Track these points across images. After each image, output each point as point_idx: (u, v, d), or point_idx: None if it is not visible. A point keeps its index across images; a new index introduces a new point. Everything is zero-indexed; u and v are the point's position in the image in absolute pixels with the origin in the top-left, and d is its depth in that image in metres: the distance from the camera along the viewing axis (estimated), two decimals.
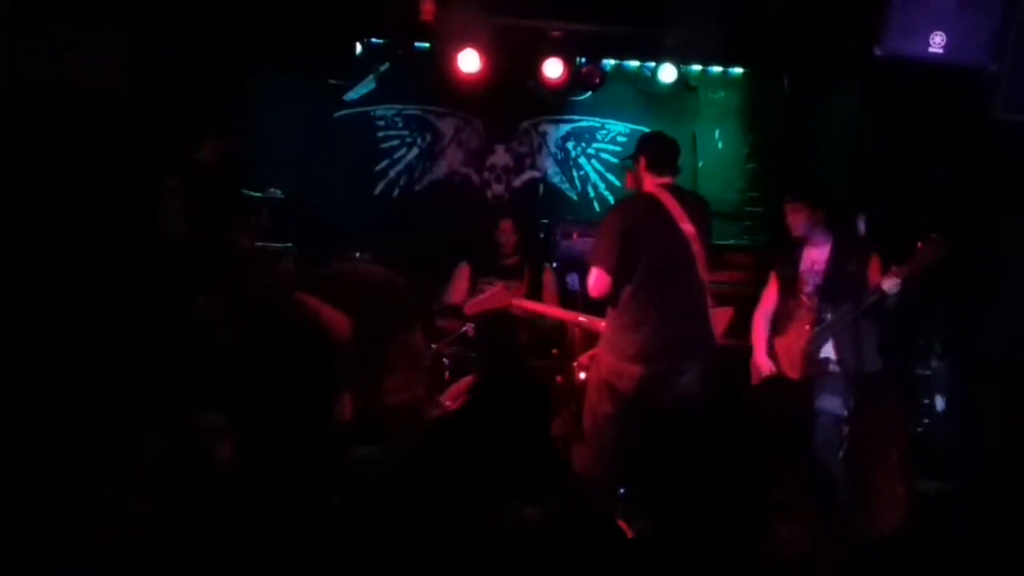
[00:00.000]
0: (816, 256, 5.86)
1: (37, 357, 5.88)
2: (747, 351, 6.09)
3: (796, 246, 5.94)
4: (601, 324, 5.63)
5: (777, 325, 5.95)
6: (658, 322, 5.26)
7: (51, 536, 3.57)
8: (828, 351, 5.66)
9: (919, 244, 5.36)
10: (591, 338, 6.27)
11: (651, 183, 5.47)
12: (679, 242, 5.35)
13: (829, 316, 5.65)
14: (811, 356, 5.68)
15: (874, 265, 5.62)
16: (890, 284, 5.39)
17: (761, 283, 7.62)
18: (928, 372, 6.33)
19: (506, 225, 7.75)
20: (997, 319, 6.12)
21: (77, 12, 6.58)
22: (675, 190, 5.49)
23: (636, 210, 5.44)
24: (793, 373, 5.76)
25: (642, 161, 5.56)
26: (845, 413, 5.58)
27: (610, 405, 5.30)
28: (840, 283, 5.67)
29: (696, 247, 5.37)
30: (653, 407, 5.15)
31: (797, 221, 5.90)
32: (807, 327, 5.71)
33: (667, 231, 5.35)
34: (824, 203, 5.88)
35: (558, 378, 6.74)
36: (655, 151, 5.59)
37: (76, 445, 4.67)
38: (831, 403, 5.61)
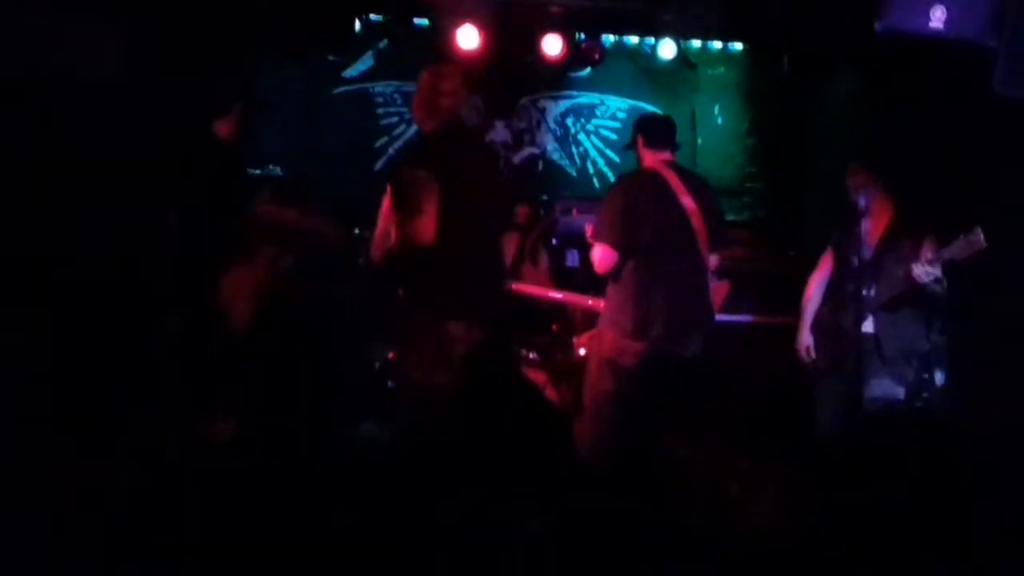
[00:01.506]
0: (871, 228, 5.77)
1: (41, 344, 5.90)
2: (789, 329, 6.10)
3: (855, 216, 5.86)
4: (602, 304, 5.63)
5: (828, 297, 5.91)
6: (660, 297, 5.27)
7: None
8: (868, 328, 5.61)
9: (960, 235, 5.29)
10: (591, 315, 6.28)
11: (651, 159, 5.49)
12: (680, 217, 5.36)
13: (869, 293, 5.60)
14: (849, 332, 5.65)
15: (925, 247, 5.48)
16: (920, 271, 5.30)
17: (760, 259, 7.65)
18: (927, 347, 6.33)
19: (522, 210, 7.72)
20: (997, 296, 6.12)
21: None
22: (676, 167, 5.50)
23: (638, 185, 5.46)
24: (833, 346, 5.73)
25: (639, 139, 5.58)
26: (902, 396, 5.54)
27: (611, 382, 5.30)
28: (887, 260, 5.58)
29: (697, 223, 5.37)
30: (655, 382, 5.17)
31: (852, 184, 5.82)
32: (850, 301, 5.69)
33: (669, 206, 5.36)
34: (887, 172, 5.78)
35: (558, 354, 6.75)
36: (651, 127, 5.66)
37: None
38: (881, 388, 5.53)
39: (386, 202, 5.08)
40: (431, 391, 4.96)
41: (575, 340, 6.56)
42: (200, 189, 5.46)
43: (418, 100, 5.20)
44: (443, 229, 4.94)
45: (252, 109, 5.69)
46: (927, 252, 5.32)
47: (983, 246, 5.12)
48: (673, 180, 5.41)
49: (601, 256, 5.33)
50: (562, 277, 7.50)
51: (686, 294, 5.35)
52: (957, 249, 5.21)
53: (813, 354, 5.84)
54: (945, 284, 5.45)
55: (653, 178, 5.43)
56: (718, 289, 5.95)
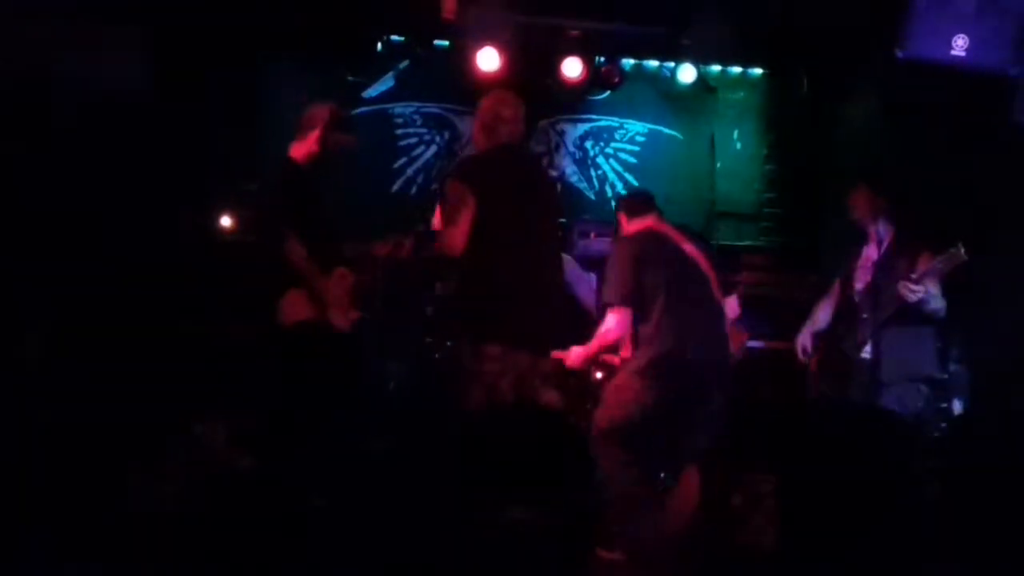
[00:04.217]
0: (872, 252, 5.79)
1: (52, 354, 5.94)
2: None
3: (861, 239, 5.87)
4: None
5: (835, 323, 5.91)
6: (683, 343, 5.16)
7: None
8: (867, 353, 5.60)
9: (934, 252, 5.31)
10: None
11: (639, 225, 5.47)
12: (687, 263, 5.30)
13: (866, 315, 5.60)
14: (850, 358, 5.64)
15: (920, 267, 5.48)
16: (905, 290, 5.31)
17: (778, 284, 7.64)
18: (946, 376, 6.29)
19: None
20: (1015, 323, 6.10)
21: (98, 9, 6.62)
22: (666, 223, 5.51)
23: (636, 242, 5.37)
24: (835, 371, 5.72)
25: (622, 218, 5.59)
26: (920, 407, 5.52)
27: (639, 423, 5.21)
28: (884, 282, 5.57)
29: (705, 267, 5.33)
30: (674, 427, 5.10)
31: (856, 204, 5.83)
32: (852, 326, 5.69)
33: (672, 255, 5.30)
34: (891, 193, 5.78)
35: (572, 377, 6.72)
36: (630, 201, 5.67)
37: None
38: (900, 405, 5.49)
39: (437, 212, 5.28)
40: (459, 408, 5.00)
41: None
42: (272, 210, 5.46)
43: (478, 123, 5.30)
44: (484, 250, 5.00)
45: (330, 132, 5.64)
46: (910, 273, 5.34)
47: (963, 260, 5.15)
48: (669, 232, 5.40)
49: (617, 319, 5.18)
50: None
51: (705, 336, 5.25)
52: (939, 263, 5.24)
53: (808, 352, 5.90)
54: (941, 304, 5.44)
55: (648, 234, 5.38)
56: (737, 337, 5.94)
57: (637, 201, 5.65)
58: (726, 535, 5.43)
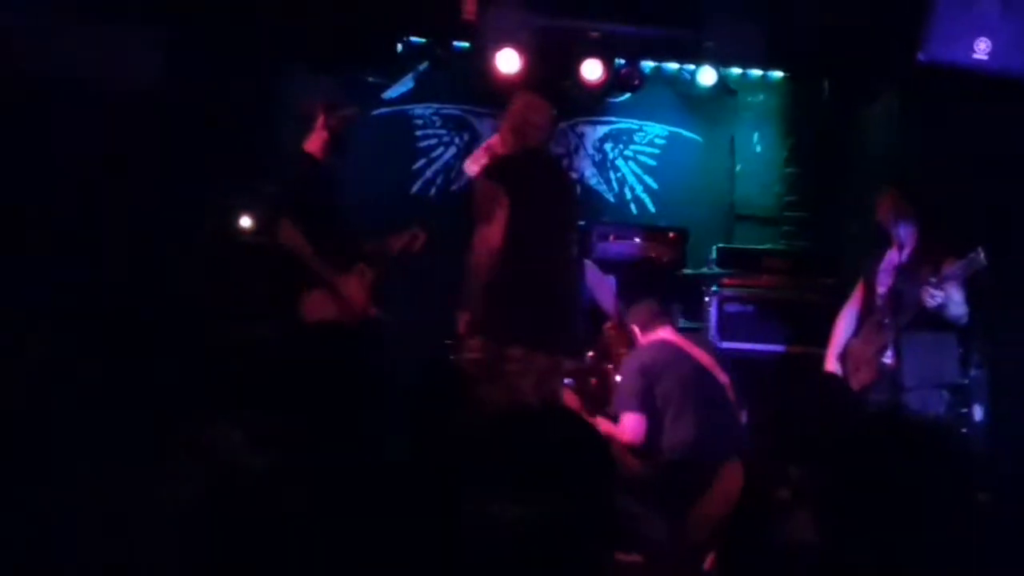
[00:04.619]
0: (896, 256, 5.76)
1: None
2: (816, 358, 6.09)
3: (884, 244, 5.84)
4: None
5: (858, 327, 5.89)
6: (698, 446, 5.26)
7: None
8: (888, 358, 5.58)
9: (954, 257, 5.29)
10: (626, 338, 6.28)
11: (652, 337, 5.62)
12: (700, 371, 5.44)
13: (888, 321, 5.58)
14: (871, 361, 5.62)
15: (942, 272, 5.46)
16: (926, 295, 5.30)
17: (797, 288, 7.61)
18: (966, 381, 6.26)
19: None
20: None
21: (116, 10, 6.64)
22: (678, 334, 5.67)
23: (648, 352, 5.54)
24: (858, 376, 5.70)
25: (635, 331, 5.74)
26: (941, 412, 5.49)
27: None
28: (908, 287, 5.55)
29: (719, 373, 5.47)
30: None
31: (882, 208, 5.80)
32: (875, 330, 5.67)
33: (688, 364, 5.44)
34: (915, 198, 5.77)
35: (592, 380, 6.73)
36: (642, 314, 5.78)
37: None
38: (922, 410, 5.46)
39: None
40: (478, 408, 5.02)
41: (609, 366, 6.55)
42: (287, 206, 5.48)
43: (507, 124, 5.33)
44: (508, 251, 5.03)
45: (344, 125, 5.68)
46: (931, 278, 5.32)
47: (984, 265, 5.12)
48: (681, 342, 5.53)
49: (632, 425, 5.32)
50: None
51: (718, 438, 5.33)
52: (959, 268, 5.22)
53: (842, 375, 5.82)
54: (964, 310, 5.42)
55: (661, 344, 5.53)
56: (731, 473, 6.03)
57: (652, 313, 5.75)
58: (769, 529, 5.42)
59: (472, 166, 5.84)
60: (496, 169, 5.26)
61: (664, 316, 5.78)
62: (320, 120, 5.63)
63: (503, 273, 5.10)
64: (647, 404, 5.32)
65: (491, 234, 5.07)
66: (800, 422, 6.14)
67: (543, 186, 5.30)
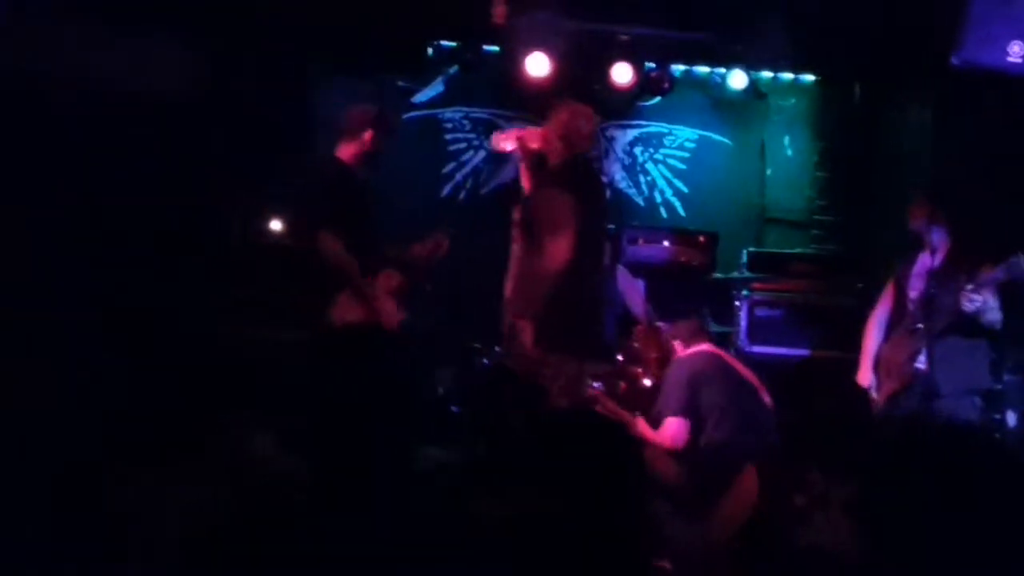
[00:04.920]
0: (928, 261, 5.72)
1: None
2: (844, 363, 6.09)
3: (916, 248, 5.81)
4: None
5: (888, 332, 5.85)
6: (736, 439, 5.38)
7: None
8: (922, 363, 5.54)
9: (993, 263, 5.25)
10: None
11: (694, 349, 5.71)
12: (746, 388, 5.56)
13: (924, 327, 5.54)
14: (903, 366, 5.59)
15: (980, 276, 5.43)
16: (965, 300, 5.26)
17: (826, 291, 7.58)
18: (1000, 387, 6.22)
19: None
20: None
21: (145, 11, 6.68)
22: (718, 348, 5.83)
23: (694, 361, 5.61)
24: (890, 382, 5.68)
25: (677, 346, 5.79)
26: (974, 418, 5.45)
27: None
28: (942, 292, 5.52)
29: (754, 381, 5.61)
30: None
31: (914, 212, 5.77)
32: (906, 335, 5.63)
33: (731, 377, 5.57)
34: (947, 207, 5.76)
35: (622, 384, 6.71)
36: (682, 330, 5.87)
37: None
38: (954, 416, 5.43)
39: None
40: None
41: (639, 369, 6.55)
42: (325, 215, 5.48)
43: (555, 133, 5.33)
44: (574, 262, 5.07)
45: (383, 135, 5.68)
46: (968, 284, 5.28)
47: (1023, 270, 5.09)
48: (724, 354, 5.74)
49: (677, 429, 5.40)
50: None
51: (757, 432, 5.47)
52: (998, 273, 5.17)
53: (876, 393, 5.78)
54: (999, 315, 5.38)
55: (707, 355, 5.64)
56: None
57: (693, 328, 5.89)
58: (787, 535, 5.43)
59: (504, 143, 5.82)
60: (563, 180, 5.27)
61: (705, 331, 5.93)
62: (367, 134, 5.61)
63: (567, 282, 5.12)
64: (692, 410, 5.40)
65: (562, 244, 5.08)
66: (828, 428, 6.19)
67: (585, 194, 5.33)
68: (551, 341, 5.09)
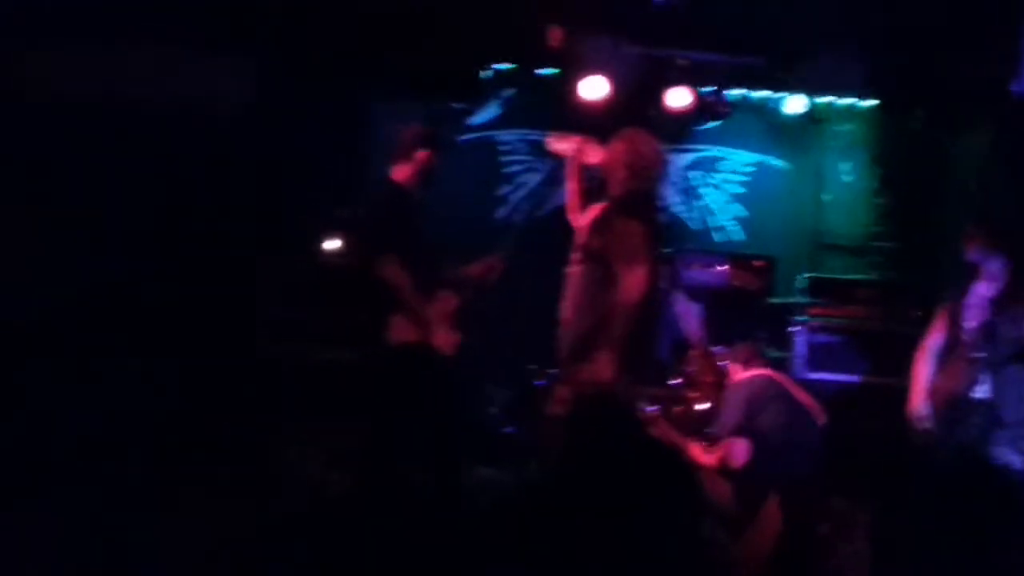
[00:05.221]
0: (985, 290, 5.68)
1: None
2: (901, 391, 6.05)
3: (969, 277, 5.76)
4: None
5: (942, 360, 5.80)
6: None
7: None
8: (984, 393, 5.49)
9: None
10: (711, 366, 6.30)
11: (752, 372, 5.81)
12: (796, 401, 5.65)
13: (983, 355, 5.49)
14: (959, 396, 5.53)
15: None
16: None
17: (883, 318, 7.52)
18: None
19: None
20: None
21: (207, 35, 6.79)
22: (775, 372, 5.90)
23: (754, 383, 5.70)
24: (945, 412, 5.62)
25: (734, 369, 5.93)
26: (1019, 465, 5.36)
27: None
28: (1001, 322, 5.47)
29: (806, 400, 5.70)
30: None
31: (972, 242, 5.73)
32: (963, 364, 5.57)
33: (784, 394, 5.67)
34: (1005, 236, 5.72)
35: (676, 408, 6.70)
36: (741, 354, 5.98)
37: None
38: (997, 456, 5.37)
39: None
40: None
41: (694, 394, 6.54)
42: (376, 233, 5.54)
43: (622, 163, 5.31)
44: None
45: (435, 153, 5.73)
46: None
47: None
48: (781, 378, 5.81)
49: (737, 451, 5.46)
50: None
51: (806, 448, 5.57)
52: None
53: (928, 424, 5.71)
54: None
55: (765, 379, 5.74)
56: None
57: (751, 352, 5.99)
58: (811, 564, 5.41)
59: (561, 145, 5.82)
60: (638, 211, 5.27)
61: (761, 356, 6.01)
62: (420, 153, 5.65)
63: (643, 315, 5.13)
64: (748, 432, 5.45)
65: (639, 276, 5.08)
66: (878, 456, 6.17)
67: (658, 226, 5.37)
68: (629, 372, 5.10)
